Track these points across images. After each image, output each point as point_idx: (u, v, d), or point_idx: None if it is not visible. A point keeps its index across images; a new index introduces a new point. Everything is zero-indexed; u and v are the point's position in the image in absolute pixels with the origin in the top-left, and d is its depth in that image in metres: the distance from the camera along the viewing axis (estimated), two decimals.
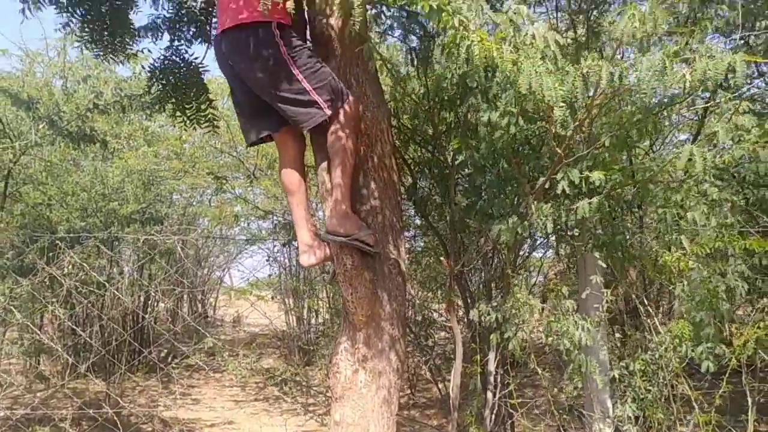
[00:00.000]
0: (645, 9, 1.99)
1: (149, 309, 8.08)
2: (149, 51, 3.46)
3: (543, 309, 2.58)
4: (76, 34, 3.37)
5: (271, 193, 8.05)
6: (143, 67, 3.61)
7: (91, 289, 5.26)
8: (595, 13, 5.40)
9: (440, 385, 5.10)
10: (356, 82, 2.59)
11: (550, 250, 4.90)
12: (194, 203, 8.92)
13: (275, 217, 8.31)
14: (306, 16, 2.69)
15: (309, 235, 2.61)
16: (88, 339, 5.63)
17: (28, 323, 5.02)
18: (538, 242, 4.39)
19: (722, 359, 2.56)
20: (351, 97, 2.47)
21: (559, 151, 2.29)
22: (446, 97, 2.81)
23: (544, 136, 2.61)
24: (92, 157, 6.73)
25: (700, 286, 2.28)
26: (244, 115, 2.66)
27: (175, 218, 7.93)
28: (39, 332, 5.60)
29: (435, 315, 5.23)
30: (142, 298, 7.79)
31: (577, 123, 2.22)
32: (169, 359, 8.36)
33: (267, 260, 8.25)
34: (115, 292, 6.02)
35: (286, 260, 8.43)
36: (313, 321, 8.33)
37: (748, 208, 3.06)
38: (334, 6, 1.83)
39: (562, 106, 1.90)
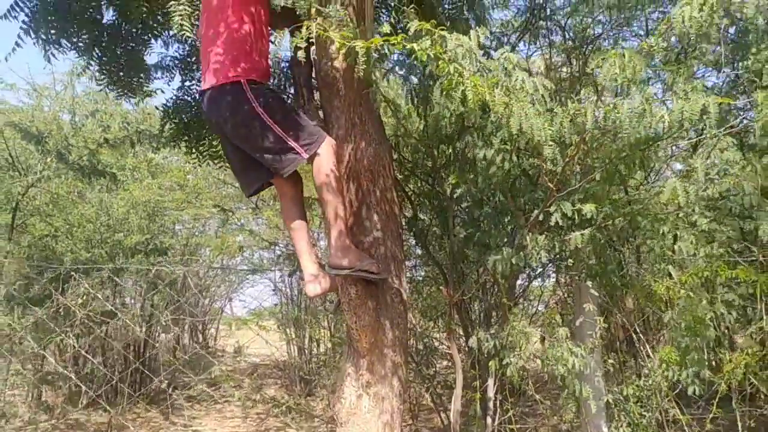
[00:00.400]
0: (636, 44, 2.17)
1: (153, 339, 8.17)
2: (162, 91, 3.65)
3: (542, 337, 2.70)
4: (95, 77, 3.57)
5: (273, 224, 8.21)
6: (157, 108, 3.81)
7: (103, 319, 5.38)
8: (590, 47, 5.64)
9: (442, 415, 5.18)
10: (360, 121, 2.76)
11: (549, 279, 5.04)
12: (197, 233, 9.07)
13: (278, 248, 8.46)
14: (311, 58, 2.87)
15: (314, 266, 2.75)
16: (101, 368, 5.73)
17: (45, 353, 5.13)
18: (539, 271, 4.54)
19: (713, 384, 2.68)
20: (328, 137, 2.64)
21: (551, 185, 2.45)
22: (445, 134, 2.98)
23: (538, 169, 2.78)
24: (98, 189, 6.90)
25: (687, 314, 2.42)
26: (235, 171, 2.84)
27: (178, 249, 8.07)
28: (54, 362, 5.71)
29: (436, 343, 5.33)
30: (144, 329, 7.90)
31: (567, 159, 2.39)
32: (170, 390, 8.43)
33: (273, 290, 8.37)
34: (128, 322, 6.13)
35: (288, 290, 8.55)
36: (314, 351, 8.41)
37: (744, 238, 3.20)
38: (340, 53, 2.00)
39: (551, 145, 2.06)
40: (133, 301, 7.92)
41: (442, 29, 2.00)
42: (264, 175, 2.73)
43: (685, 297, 2.46)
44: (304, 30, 1.97)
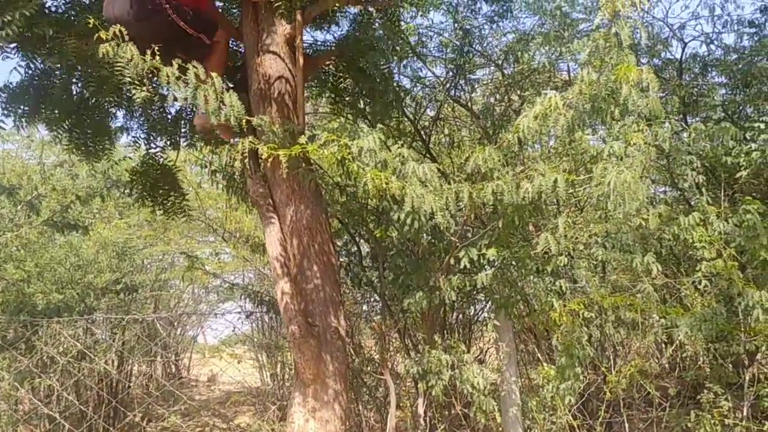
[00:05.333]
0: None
1: (126, 374, 8.75)
2: (130, 158, 4.32)
3: (452, 362, 3.42)
4: (63, 144, 4.24)
5: (240, 255, 8.88)
6: (126, 171, 4.47)
7: (73, 361, 5.99)
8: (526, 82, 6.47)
9: None
10: (298, 187, 3.47)
11: None
12: (167, 267, 9.68)
13: (246, 276, 9.13)
14: None
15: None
16: (76, 404, 6.34)
17: (21, 393, 5.72)
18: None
19: (599, 393, 3.44)
20: None
21: (453, 238, 3.19)
22: (369, 198, 3.71)
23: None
24: (67, 233, 7.50)
25: (565, 336, 3.17)
26: None
27: (148, 284, 8.68)
28: (29, 402, 6.30)
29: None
30: (116, 364, 8.47)
31: (464, 217, 3.13)
32: (144, 423, 9.00)
33: (245, 318, 8.98)
34: (98, 361, 6.72)
35: (259, 317, 9.20)
36: (287, 376, 9.03)
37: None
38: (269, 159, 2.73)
39: (441, 214, 2.80)
40: (104, 336, 8.50)
41: (356, 115, 2.72)
42: None
43: (567, 323, 3.21)
44: (240, 146, 2.69)
